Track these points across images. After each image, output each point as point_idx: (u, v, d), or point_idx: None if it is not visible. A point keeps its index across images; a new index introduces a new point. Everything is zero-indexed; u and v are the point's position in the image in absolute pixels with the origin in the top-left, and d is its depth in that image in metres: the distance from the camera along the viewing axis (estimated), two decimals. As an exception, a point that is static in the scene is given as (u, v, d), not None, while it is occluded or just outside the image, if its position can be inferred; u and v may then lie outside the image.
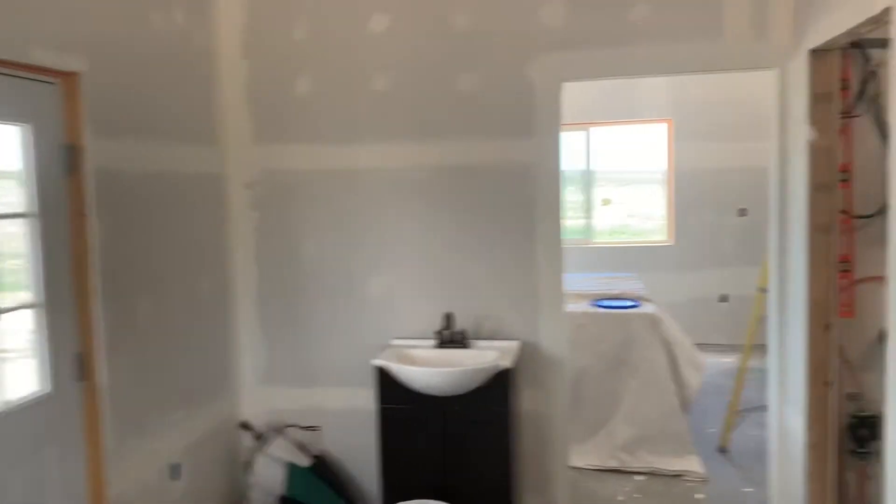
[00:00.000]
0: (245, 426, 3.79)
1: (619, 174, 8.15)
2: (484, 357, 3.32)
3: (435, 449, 3.27)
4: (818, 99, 2.94)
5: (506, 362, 3.18)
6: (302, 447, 3.70)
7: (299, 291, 3.74)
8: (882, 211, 3.16)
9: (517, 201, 3.48)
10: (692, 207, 7.45)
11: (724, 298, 7.46)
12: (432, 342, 3.51)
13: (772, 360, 3.45)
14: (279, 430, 3.76)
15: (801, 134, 3.04)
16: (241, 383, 3.84)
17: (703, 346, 7.14)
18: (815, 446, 3.08)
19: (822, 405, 3.06)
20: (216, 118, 3.64)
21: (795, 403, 3.21)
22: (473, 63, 3.49)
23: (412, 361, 3.38)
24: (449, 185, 3.55)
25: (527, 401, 3.54)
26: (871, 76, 3.11)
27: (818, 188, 2.98)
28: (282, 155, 3.70)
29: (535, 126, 3.44)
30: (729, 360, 6.85)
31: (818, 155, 2.97)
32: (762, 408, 4.84)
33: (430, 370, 3.18)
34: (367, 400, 3.57)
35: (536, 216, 3.47)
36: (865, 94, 3.12)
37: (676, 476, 4.16)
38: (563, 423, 3.57)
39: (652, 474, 4.19)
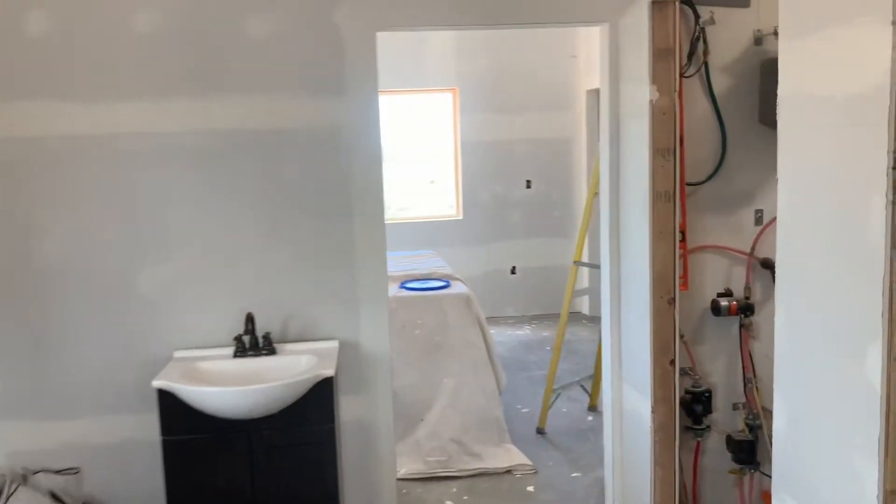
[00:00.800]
0: (-28, 478, 2.85)
1: (407, 146, 7.80)
2: (298, 365, 2.73)
3: (241, 483, 2.63)
4: (659, 55, 2.71)
5: (328, 370, 2.62)
6: (57, 497, 2.85)
7: (42, 295, 2.85)
8: (711, 177, 3.06)
9: (329, 173, 2.90)
10: (479, 180, 7.30)
11: (512, 271, 7.44)
12: (230, 350, 2.84)
13: (606, 339, 3.24)
14: (24, 477, 2.87)
15: (641, 94, 2.80)
16: (-36, 422, 2.87)
17: (496, 320, 7.09)
18: (661, 428, 2.90)
19: (666, 385, 2.88)
20: None
21: (637, 383, 3.02)
22: (267, 1, 2.83)
23: (206, 378, 2.69)
24: (243, 154, 2.87)
25: (349, 409, 3.00)
26: (701, 35, 2.95)
27: (660, 153, 2.76)
28: (7, 117, 2.77)
29: (347, 83, 2.87)
30: (522, 333, 6.84)
31: (659, 116, 2.75)
32: (576, 384, 4.75)
33: (231, 391, 2.51)
34: (147, 429, 2.82)
35: (353, 191, 2.92)
36: (695, 53, 2.96)
37: (507, 472, 3.88)
38: (388, 428, 3.09)
39: (481, 474, 3.86)
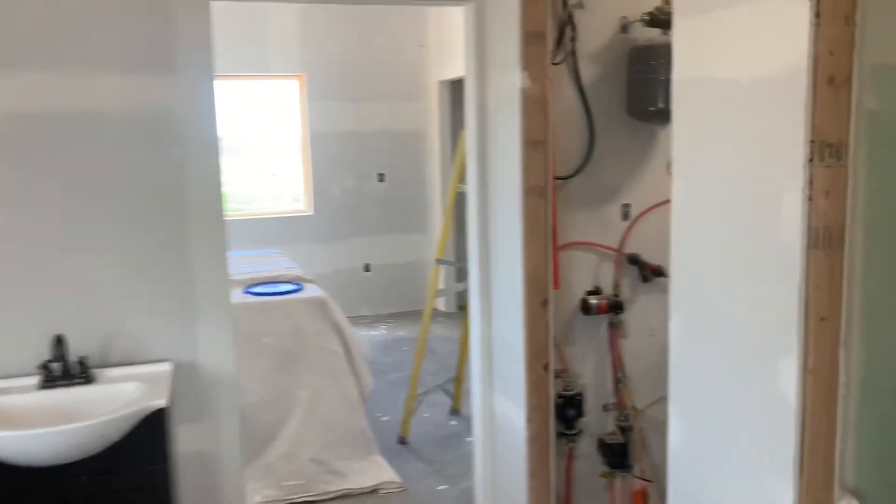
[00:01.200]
0: None
1: (251, 135, 7.26)
2: (121, 394, 2.28)
3: (52, 544, 2.16)
4: (530, 39, 2.51)
5: (159, 399, 2.20)
6: None
7: None
8: (579, 171, 2.91)
9: (157, 164, 2.46)
10: (330, 173, 6.93)
11: (366, 268, 7.15)
12: (35, 380, 2.33)
13: (475, 345, 3.03)
14: None
15: (510, 81, 2.59)
16: None
17: (350, 321, 6.73)
18: (536, 438, 2.72)
19: (541, 392, 2.71)
20: None
21: (510, 391, 2.83)
22: (72, -42, 2.34)
23: (3, 417, 2.18)
24: (44, 143, 2.36)
25: (187, 440, 2.58)
26: (569, 19, 2.79)
27: (532, 145, 2.56)
28: None
29: (177, 58, 2.43)
30: (377, 333, 6.57)
31: (531, 106, 2.54)
32: (438, 388, 4.53)
33: (32, 434, 2.02)
34: (-78, 485, 2.26)
35: (187, 185, 2.49)
36: (563, 39, 2.79)
37: (373, 490, 3.58)
38: (235, 457, 2.70)
39: (345, 496, 3.53)
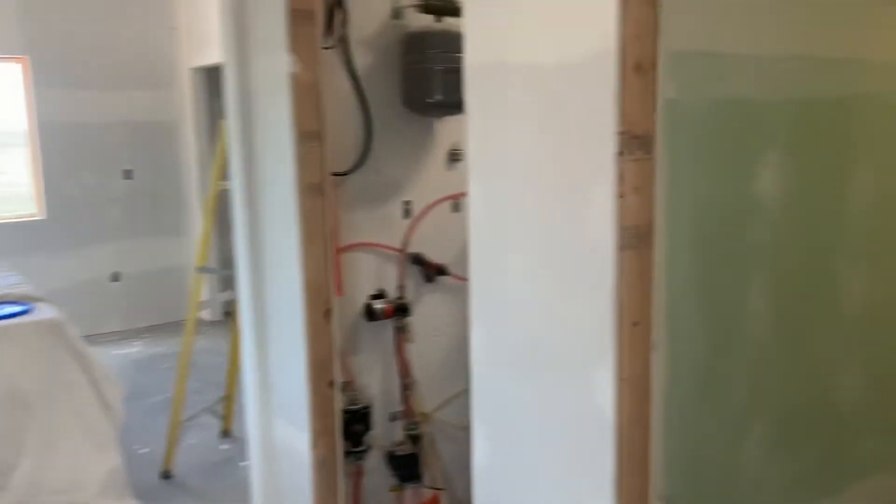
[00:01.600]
0: None
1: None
2: None
3: None
4: (298, 18, 2.23)
5: None
6: None
7: None
8: (357, 167, 2.69)
9: None
10: (65, 171, 6.06)
11: (114, 277, 6.37)
12: None
13: (248, 362, 2.69)
14: None
15: (277, 66, 2.29)
16: None
17: (97, 338, 5.96)
18: (323, 464, 2.46)
19: (327, 413, 2.45)
20: None
21: (290, 413, 2.54)
22: None
23: None
24: None
25: None
26: (338, 2, 2.55)
27: (306, 137, 2.29)
28: None
29: None
30: (132, 351, 5.88)
31: (302, 93, 2.27)
32: (207, 410, 4.07)
33: None
34: None
35: None
36: (334, 23, 2.55)
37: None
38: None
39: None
